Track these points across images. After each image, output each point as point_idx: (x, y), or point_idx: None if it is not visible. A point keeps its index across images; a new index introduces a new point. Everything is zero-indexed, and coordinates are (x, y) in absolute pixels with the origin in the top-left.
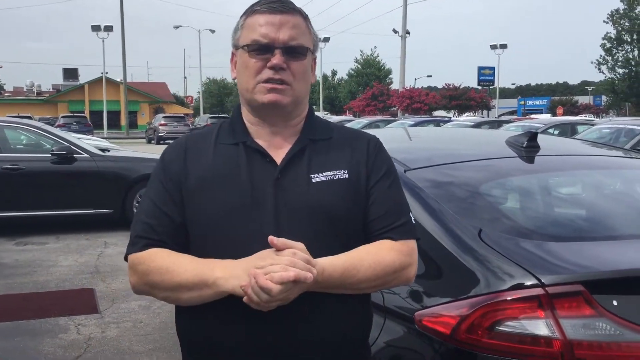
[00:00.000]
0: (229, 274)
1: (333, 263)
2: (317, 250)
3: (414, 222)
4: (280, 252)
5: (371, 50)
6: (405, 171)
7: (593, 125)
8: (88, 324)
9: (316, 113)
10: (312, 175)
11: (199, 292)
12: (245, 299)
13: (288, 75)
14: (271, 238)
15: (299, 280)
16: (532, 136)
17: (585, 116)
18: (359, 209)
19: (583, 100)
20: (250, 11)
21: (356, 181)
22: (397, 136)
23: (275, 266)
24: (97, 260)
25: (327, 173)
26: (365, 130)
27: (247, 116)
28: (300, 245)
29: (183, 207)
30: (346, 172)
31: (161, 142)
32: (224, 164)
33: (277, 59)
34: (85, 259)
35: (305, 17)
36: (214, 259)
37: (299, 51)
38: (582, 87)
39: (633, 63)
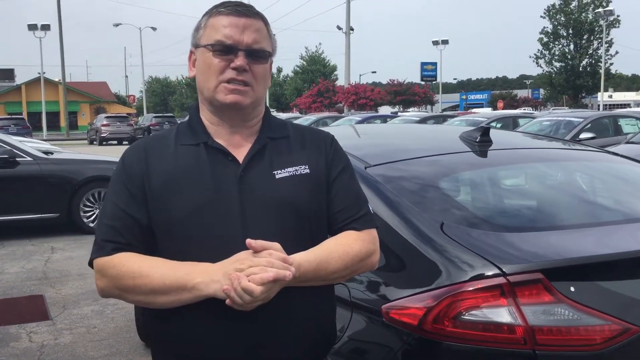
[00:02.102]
0: (209, 278)
1: (307, 258)
2: (284, 244)
3: (372, 212)
4: (258, 253)
5: (316, 47)
6: (366, 168)
7: (533, 118)
8: (40, 331)
9: None
10: (275, 172)
11: (177, 297)
12: (227, 301)
13: (250, 77)
14: (249, 241)
15: (278, 279)
16: (484, 131)
17: (525, 109)
18: (321, 202)
19: (522, 93)
20: (214, 12)
21: (317, 176)
22: (353, 134)
23: (255, 268)
24: (45, 266)
25: (289, 169)
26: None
27: (206, 116)
28: (277, 245)
29: (147, 208)
30: (307, 167)
31: (104, 143)
32: (187, 164)
33: (240, 60)
34: (32, 265)
35: (266, 23)
36: (189, 262)
37: (261, 55)
38: (521, 81)
39: (569, 57)
